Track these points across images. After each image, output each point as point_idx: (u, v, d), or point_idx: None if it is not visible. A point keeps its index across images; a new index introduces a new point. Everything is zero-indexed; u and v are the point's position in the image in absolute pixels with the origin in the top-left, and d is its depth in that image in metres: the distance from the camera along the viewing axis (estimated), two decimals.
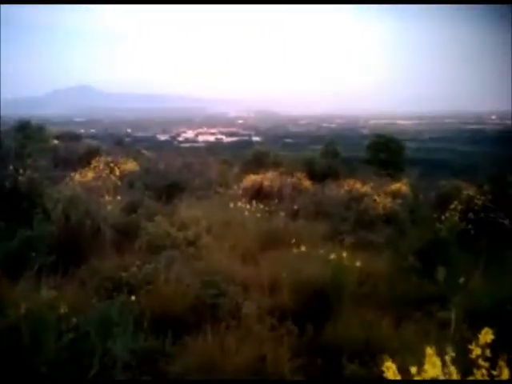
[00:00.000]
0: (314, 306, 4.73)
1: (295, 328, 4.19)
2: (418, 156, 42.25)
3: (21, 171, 6.58)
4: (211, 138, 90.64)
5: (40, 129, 16.66)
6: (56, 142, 16.39)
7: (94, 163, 11.55)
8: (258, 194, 12.51)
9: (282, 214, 8.89)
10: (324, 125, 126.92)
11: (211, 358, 3.46)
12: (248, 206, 8.98)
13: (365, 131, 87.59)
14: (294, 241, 6.08)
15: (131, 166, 13.16)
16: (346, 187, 13.88)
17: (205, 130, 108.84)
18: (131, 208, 8.18)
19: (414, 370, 1.93)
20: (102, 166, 11.22)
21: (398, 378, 1.94)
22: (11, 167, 6.64)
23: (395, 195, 13.45)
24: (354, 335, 4.07)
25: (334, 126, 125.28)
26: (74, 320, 3.15)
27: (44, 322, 2.87)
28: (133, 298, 3.80)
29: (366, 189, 13.82)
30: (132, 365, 2.91)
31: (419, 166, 25.61)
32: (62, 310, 3.03)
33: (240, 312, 4.35)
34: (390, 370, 1.90)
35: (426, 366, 1.83)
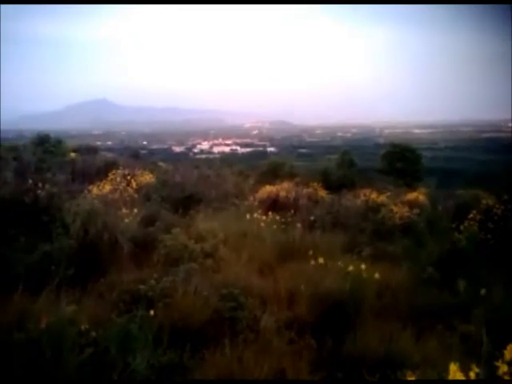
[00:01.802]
0: (332, 318, 4.70)
1: (314, 341, 4.15)
2: (434, 165, 41.93)
3: (40, 185, 6.67)
4: (226, 149, 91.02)
5: (58, 142, 16.87)
6: (74, 155, 16.58)
7: (111, 176, 11.64)
8: (273, 204, 12.48)
9: (299, 225, 8.85)
10: (339, 134, 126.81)
11: (230, 371, 3.44)
12: (264, 218, 8.97)
13: (380, 140, 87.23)
14: (311, 252, 6.04)
15: (148, 178, 13.22)
16: (363, 197, 13.79)
17: (220, 141, 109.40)
18: (148, 220, 8.21)
19: None
20: (119, 179, 11.30)
21: None
22: (30, 181, 6.74)
23: (412, 205, 13.33)
24: (374, 348, 4.02)
25: (348, 135, 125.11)
26: (94, 334, 3.16)
27: (64, 336, 2.88)
28: (152, 312, 3.79)
29: (383, 199, 13.73)
30: (151, 379, 2.90)
31: (436, 175, 25.38)
32: (82, 324, 3.05)
33: (258, 325, 4.33)
34: None
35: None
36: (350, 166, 26.41)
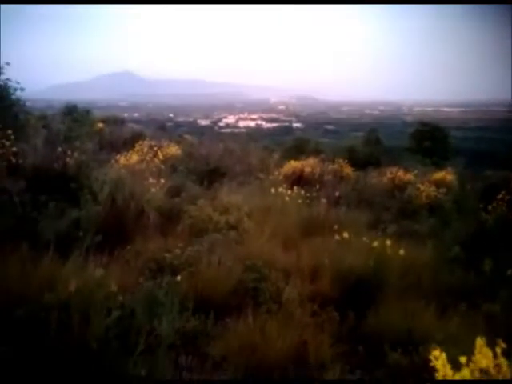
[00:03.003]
0: (355, 293, 4.70)
1: (336, 315, 4.17)
2: (463, 145, 41.13)
3: (69, 153, 6.76)
4: (252, 124, 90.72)
5: (87, 113, 17.04)
6: (101, 125, 16.75)
7: (137, 147, 11.75)
8: (298, 180, 12.47)
9: (324, 200, 8.82)
10: (367, 111, 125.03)
11: (252, 340, 3.48)
12: (289, 192, 8.96)
13: (409, 119, 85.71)
14: (335, 227, 6.02)
15: (174, 150, 13.30)
16: (389, 175, 13.65)
17: (246, 115, 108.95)
18: (174, 192, 8.29)
19: (463, 359, 1.89)
20: (145, 150, 11.40)
21: (447, 367, 1.90)
22: (60, 149, 6.83)
23: (439, 184, 13.15)
24: (396, 324, 4.02)
25: (376, 112, 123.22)
26: (121, 299, 3.22)
27: (92, 299, 2.95)
28: (178, 278, 3.85)
29: (410, 177, 13.57)
30: (176, 344, 2.96)
31: (465, 155, 24.90)
32: (110, 288, 3.11)
33: (281, 297, 4.36)
34: (440, 359, 1.86)
35: (477, 357, 1.79)
36: (376, 143, 26.11)
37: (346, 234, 5.52)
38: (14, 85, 8.84)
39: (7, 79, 8.71)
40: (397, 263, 5.18)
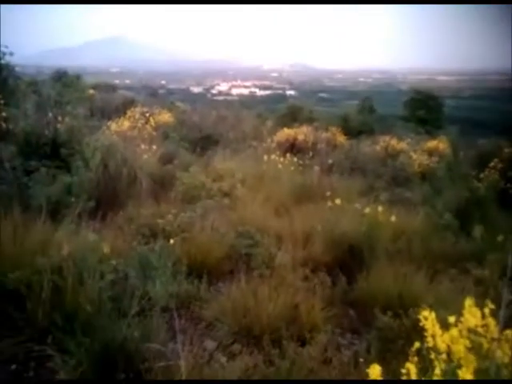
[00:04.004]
0: (347, 259, 4.75)
1: (328, 279, 4.22)
2: (457, 114, 41.00)
3: (60, 119, 6.67)
4: (245, 92, 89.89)
5: (77, 78, 16.79)
6: (92, 91, 16.54)
7: (129, 113, 11.64)
8: (291, 148, 12.46)
9: (316, 168, 8.83)
10: (361, 79, 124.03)
11: (245, 304, 3.52)
12: (282, 160, 8.96)
13: (403, 87, 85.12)
14: (328, 194, 6.04)
15: (166, 117, 13.21)
16: (382, 143, 13.67)
17: (238, 83, 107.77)
18: (167, 158, 8.27)
19: (452, 319, 1.91)
20: (137, 117, 11.30)
21: (436, 327, 1.92)
22: (51, 115, 6.74)
23: (432, 153, 13.20)
24: (386, 288, 4.07)
25: (370, 80, 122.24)
26: (114, 262, 3.24)
27: (86, 262, 2.96)
28: (171, 241, 3.87)
29: (403, 146, 13.60)
30: (169, 308, 2.99)
31: (459, 124, 24.86)
32: (103, 251, 3.12)
33: (273, 262, 4.39)
34: (429, 319, 1.88)
35: (466, 316, 1.81)
36: (370, 112, 26.01)
37: (338, 201, 5.54)
38: (3, 49, 8.66)
39: None
40: (388, 229, 5.23)
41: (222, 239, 4.67)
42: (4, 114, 6.32)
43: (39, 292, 2.83)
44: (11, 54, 8.83)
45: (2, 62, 8.71)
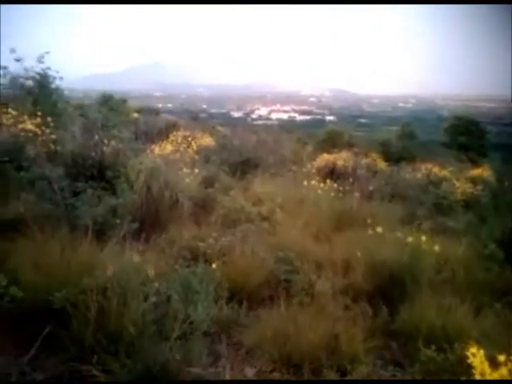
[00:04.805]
0: (388, 288, 4.66)
1: (369, 309, 4.14)
2: (499, 140, 39.94)
3: (106, 142, 6.87)
4: (284, 116, 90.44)
5: (123, 102, 17.30)
6: (136, 115, 16.98)
7: (172, 137, 11.89)
8: (331, 173, 12.42)
9: (357, 194, 8.75)
10: (400, 105, 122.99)
11: (285, 331, 3.49)
12: (321, 185, 8.92)
13: (443, 112, 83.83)
14: (369, 221, 5.97)
15: (207, 141, 13.41)
16: (424, 170, 13.47)
17: (278, 107, 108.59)
18: (208, 182, 8.37)
19: (501, 357, 1.85)
20: (179, 140, 11.53)
21: (485, 365, 1.86)
22: (97, 138, 6.94)
23: (476, 181, 12.89)
24: (430, 320, 3.96)
25: (409, 106, 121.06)
26: (156, 285, 3.27)
27: (129, 284, 3.01)
28: (214, 266, 3.90)
29: (445, 173, 13.35)
30: (210, 332, 3.00)
31: (501, 150, 24.22)
32: (147, 274, 3.16)
33: (313, 289, 4.35)
34: (477, 356, 1.83)
35: None
36: (410, 137, 25.67)
37: (379, 229, 5.47)
38: (54, 74, 9.04)
39: (47, 68, 8.91)
40: (431, 259, 5.11)
41: (261, 264, 4.67)
42: (53, 137, 6.55)
43: (85, 312, 2.89)
44: (61, 78, 9.21)
45: (53, 86, 9.09)
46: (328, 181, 9.53)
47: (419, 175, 13.03)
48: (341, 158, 13.27)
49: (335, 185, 9.38)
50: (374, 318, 4.12)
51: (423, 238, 5.12)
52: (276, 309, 3.86)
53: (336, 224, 6.92)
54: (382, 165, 14.27)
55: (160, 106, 56.29)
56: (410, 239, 5.13)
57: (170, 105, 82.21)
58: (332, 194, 8.63)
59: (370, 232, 5.67)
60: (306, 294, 4.24)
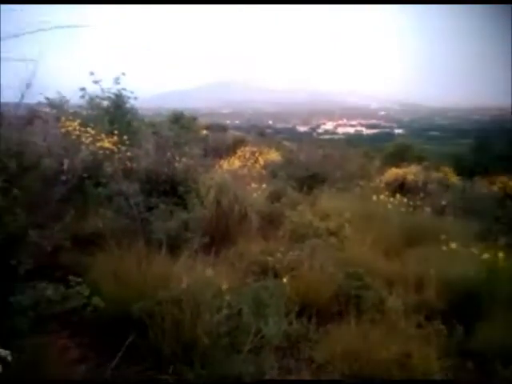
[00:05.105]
0: (463, 306, 4.49)
1: (443, 327, 4.01)
2: None
3: (177, 158, 7.12)
4: (351, 130, 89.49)
5: (193, 119, 17.82)
6: (205, 132, 17.45)
7: (239, 152, 12.12)
8: (401, 188, 12.15)
9: (428, 209, 8.52)
10: (475, 117, 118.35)
11: (355, 348, 3.45)
12: (391, 200, 8.75)
13: None
14: (442, 237, 5.79)
15: (274, 156, 13.55)
16: (499, 185, 12.87)
17: (344, 121, 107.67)
18: (275, 196, 8.44)
19: None
20: (247, 156, 11.72)
21: None
22: (169, 154, 7.21)
23: None
24: (508, 340, 3.78)
25: (486, 118, 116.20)
26: (228, 298, 3.34)
27: (203, 297, 3.09)
28: (284, 280, 3.92)
29: None
30: (281, 346, 3.02)
31: None
32: (219, 287, 3.24)
33: (384, 306, 4.27)
34: None
35: None
36: (485, 151, 24.62)
37: (453, 245, 5.29)
38: (128, 94, 9.49)
39: (123, 88, 9.37)
40: (509, 276, 4.87)
41: (330, 279, 4.64)
42: (129, 154, 6.85)
43: (160, 323, 3.00)
44: (135, 98, 9.65)
45: (127, 105, 9.54)
46: (398, 195, 9.33)
47: (495, 189, 12.48)
48: (410, 172, 12.97)
49: (405, 199, 9.17)
50: (449, 336, 3.98)
51: (500, 254, 4.90)
52: (346, 325, 3.82)
53: (406, 240, 6.75)
54: (454, 179, 13.80)
55: (228, 122, 57.42)
56: (485, 255, 4.93)
57: (237, 121, 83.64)
58: (402, 209, 8.44)
59: (444, 248, 5.51)
60: (376, 310, 4.17)
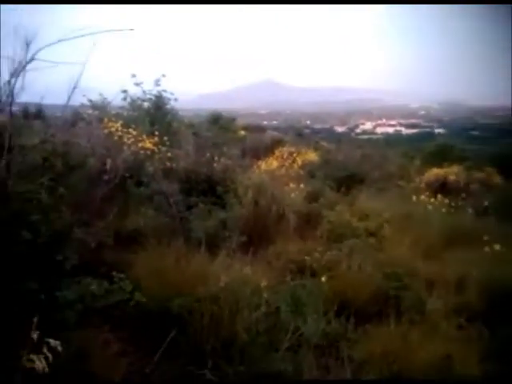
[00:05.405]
0: (507, 309, 4.37)
1: (486, 330, 3.92)
2: None
3: (216, 159, 7.21)
4: (390, 130, 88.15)
5: (232, 120, 17.97)
6: (243, 133, 17.55)
7: (277, 153, 12.14)
8: (441, 188, 11.92)
9: (470, 210, 8.33)
10: None
11: (395, 348, 3.42)
12: (432, 200, 8.60)
13: None
14: (485, 238, 5.65)
15: (311, 156, 13.52)
16: None
17: (383, 121, 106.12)
18: (312, 197, 8.42)
19: None
20: (285, 156, 11.73)
21: None
22: (208, 155, 7.31)
23: None
24: None
25: None
26: (265, 296, 3.37)
27: (241, 294, 3.13)
28: (323, 279, 3.92)
29: None
30: (320, 345, 3.02)
31: None
32: (257, 285, 3.28)
33: (424, 307, 4.22)
34: None
35: None
36: None
37: (497, 246, 5.17)
38: (168, 95, 9.66)
39: (163, 90, 9.55)
40: None
41: (368, 279, 4.61)
42: (169, 154, 6.98)
43: (199, 319, 3.06)
44: (176, 99, 9.82)
45: (167, 107, 9.71)
46: (439, 196, 9.17)
47: None
48: (452, 173, 12.72)
49: (446, 200, 9.00)
50: (491, 339, 3.89)
51: None
52: (385, 325, 3.78)
53: (447, 240, 6.63)
54: (497, 179, 13.43)
55: (265, 123, 57.54)
56: None
57: (274, 122, 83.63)
58: (443, 209, 8.29)
59: (487, 249, 5.39)
60: (416, 311, 4.12)
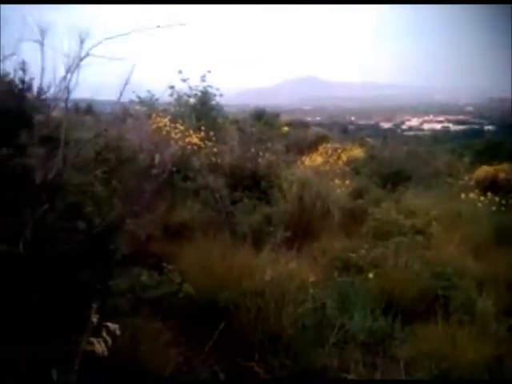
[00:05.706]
0: None
1: None
2: None
3: (261, 154, 7.23)
4: (437, 127, 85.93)
5: (276, 116, 17.97)
6: (287, 128, 17.50)
7: (321, 149, 12.06)
8: (491, 186, 11.55)
9: None
10: None
11: (443, 348, 3.35)
12: (481, 198, 8.35)
13: None
14: None
15: (357, 152, 13.35)
16: None
17: (430, 118, 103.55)
18: (357, 193, 8.33)
19: None
20: (329, 152, 11.64)
21: None
22: (253, 150, 7.34)
23: None
24: None
25: None
26: (311, 291, 3.37)
27: (286, 289, 3.14)
28: (371, 275, 3.88)
29: None
30: (366, 343, 3.00)
31: None
32: (303, 280, 3.28)
33: (474, 308, 4.10)
34: None
35: None
36: None
37: None
38: (214, 91, 9.75)
39: (208, 86, 9.64)
40: None
41: (416, 278, 4.52)
42: (215, 150, 7.06)
43: (245, 312, 3.08)
44: (221, 95, 9.89)
45: (213, 102, 9.80)
46: (488, 194, 8.89)
47: None
48: (502, 170, 12.30)
49: (496, 198, 8.72)
50: None
51: None
52: (433, 325, 3.71)
53: (498, 239, 6.43)
54: None
55: (309, 119, 57.14)
56: None
57: (318, 118, 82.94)
58: (493, 207, 8.04)
59: None
60: (465, 311, 4.02)
